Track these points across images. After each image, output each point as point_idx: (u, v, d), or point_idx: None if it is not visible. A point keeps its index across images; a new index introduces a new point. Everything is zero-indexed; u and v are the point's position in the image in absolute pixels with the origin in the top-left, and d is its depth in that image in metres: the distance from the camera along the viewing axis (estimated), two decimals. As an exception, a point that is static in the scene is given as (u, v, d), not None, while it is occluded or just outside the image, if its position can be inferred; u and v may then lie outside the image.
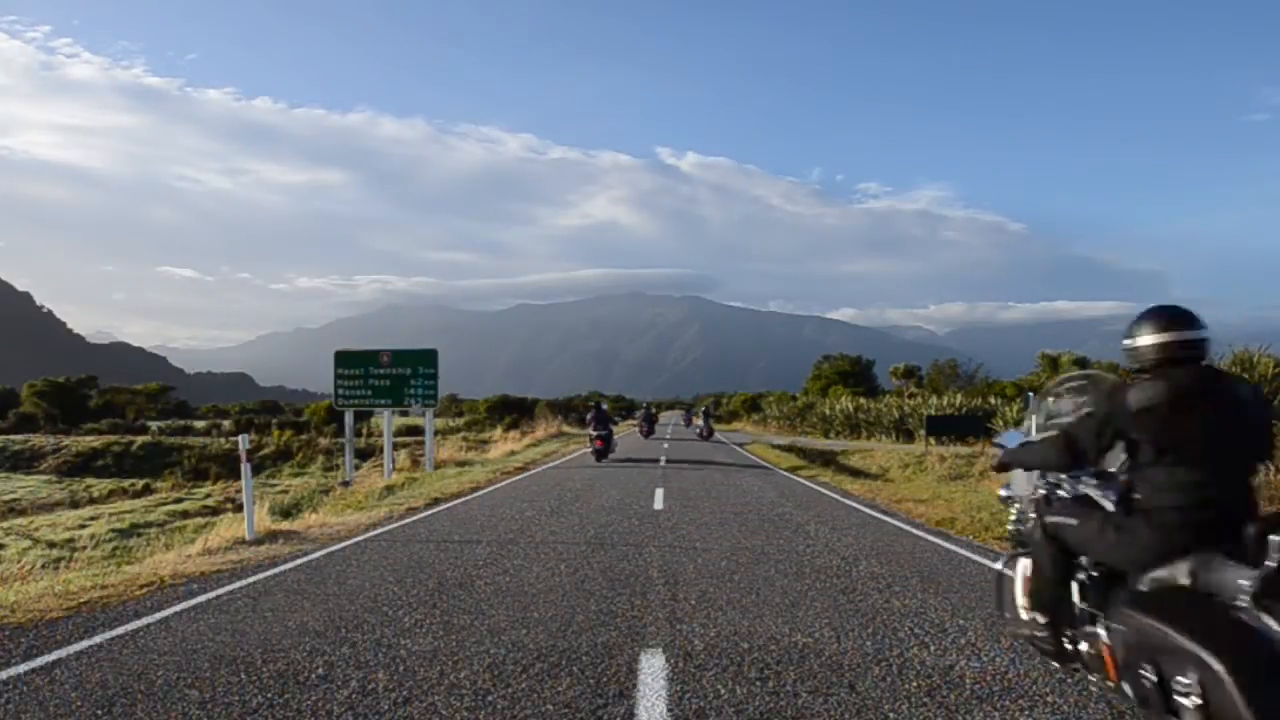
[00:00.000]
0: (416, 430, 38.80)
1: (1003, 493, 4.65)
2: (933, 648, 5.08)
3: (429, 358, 22.05)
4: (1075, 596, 3.67)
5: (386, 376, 21.63)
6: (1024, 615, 4.07)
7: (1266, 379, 14.87)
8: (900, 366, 52.09)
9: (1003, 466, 4.05)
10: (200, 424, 59.09)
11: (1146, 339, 3.31)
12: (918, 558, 8.29)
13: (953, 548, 8.92)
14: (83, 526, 20.93)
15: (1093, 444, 3.36)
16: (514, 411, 59.76)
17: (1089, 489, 3.64)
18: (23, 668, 4.68)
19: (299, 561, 8.01)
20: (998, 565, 4.54)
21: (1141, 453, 3.22)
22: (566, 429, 44.35)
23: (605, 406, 24.69)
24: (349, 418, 23.13)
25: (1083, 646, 3.61)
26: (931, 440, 25.29)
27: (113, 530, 19.83)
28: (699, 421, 42.19)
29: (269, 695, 4.22)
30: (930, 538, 9.56)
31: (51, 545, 17.29)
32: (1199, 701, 2.64)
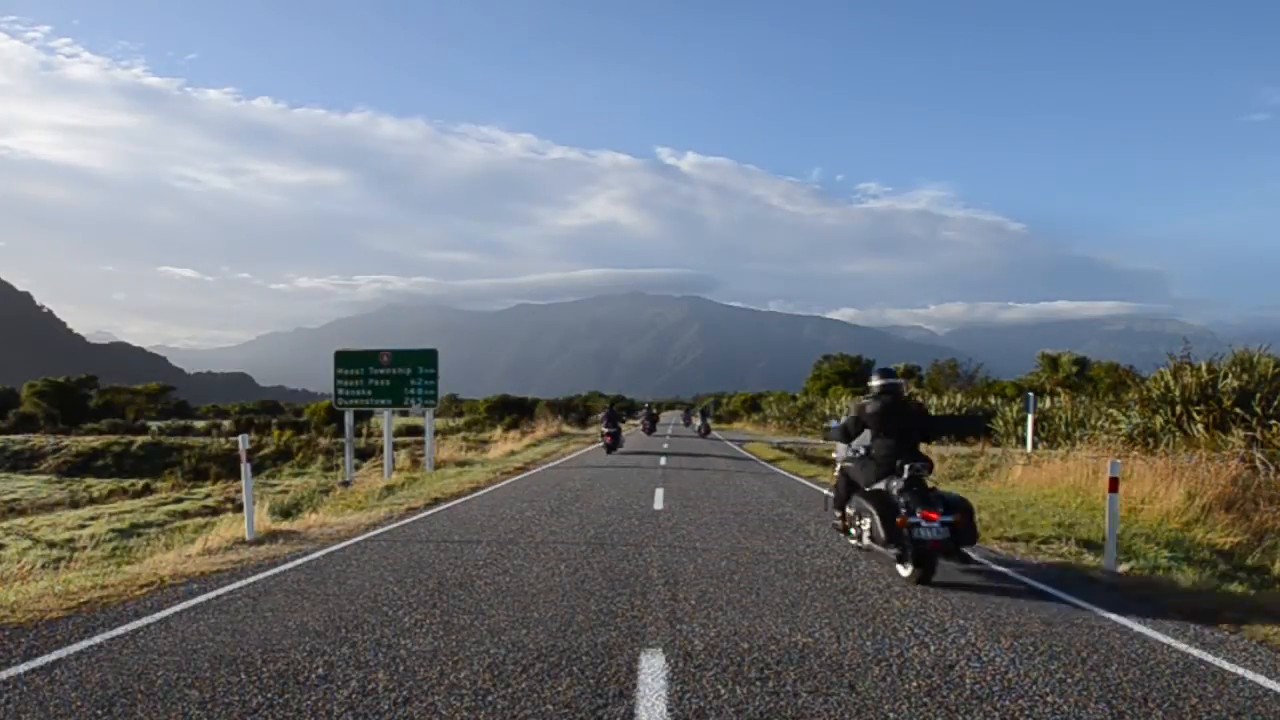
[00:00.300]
0: (416, 430, 38.81)
1: (834, 455, 9.24)
2: (933, 648, 5.08)
3: (429, 358, 22.05)
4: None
5: (386, 376, 21.63)
6: (834, 512, 8.51)
7: (1266, 379, 14.87)
8: (900, 366, 52.09)
9: (828, 437, 8.95)
10: (200, 424, 59.09)
11: (874, 381, 7.93)
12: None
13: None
14: (83, 526, 20.94)
15: (853, 429, 7.87)
16: (514, 411, 59.77)
17: (859, 450, 7.86)
18: (23, 668, 4.69)
19: (299, 561, 8.01)
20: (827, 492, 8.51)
21: (870, 433, 7.67)
22: (566, 429, 44.35)
23: (616, 408, 33.09)
24: (349, 418, 23.13)
25: (847, 523, 8.05)
26: (931, 440, 25.26)
27: (113, 530, 19.83)
28: (697, 420, 43.34)
29: (269, 695, 4.23)
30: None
31: (51, 545, 17.30)
32: (867, 529, 7.23)
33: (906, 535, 6.76)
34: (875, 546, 7.12)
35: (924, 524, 6.73)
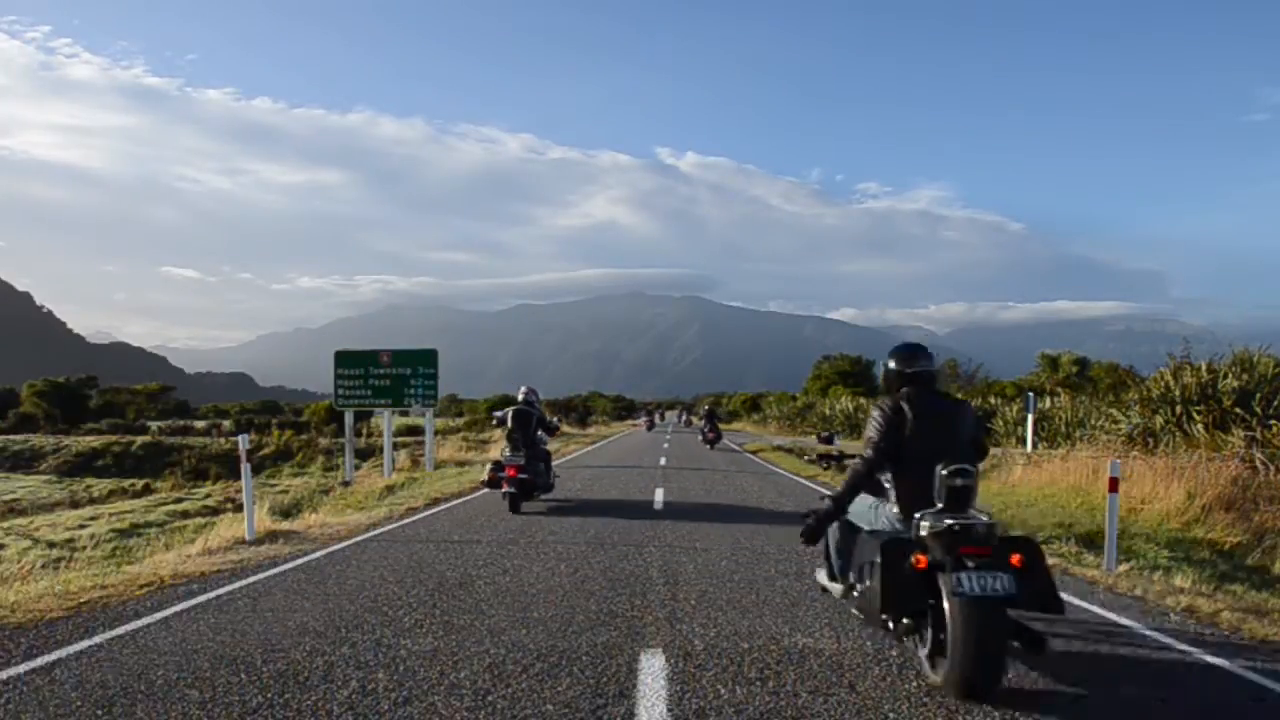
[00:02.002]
0: (416, 430, 38.78)
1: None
2: (933, 648, 5.07)
3: (429, 358, 22.03)
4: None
5: (386, 376, 21.62)
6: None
7: (1266, 379, 14.87)
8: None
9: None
10: (200, 424, 59.06)
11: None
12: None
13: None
14: (83, 526, 20.91)
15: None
16: (514, 411, 59.64)
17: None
18: (23, 668, 4.68)
19: (299, 561, 8.01)
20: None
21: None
22: (566, 429, 44.35)
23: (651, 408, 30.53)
24: (349, 418, 23.11)
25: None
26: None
27: (113, 530, 19.80)
28: (699, 422, 38.83)
29: (269, 695, 4.22)
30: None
31: (51, 545, 17.28)
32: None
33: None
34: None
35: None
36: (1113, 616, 5.97)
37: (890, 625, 4.34)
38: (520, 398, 12.82)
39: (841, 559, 5.19)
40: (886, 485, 4.91)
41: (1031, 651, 4.21)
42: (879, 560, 4.33)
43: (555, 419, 16.80)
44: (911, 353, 4.97)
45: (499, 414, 13.40)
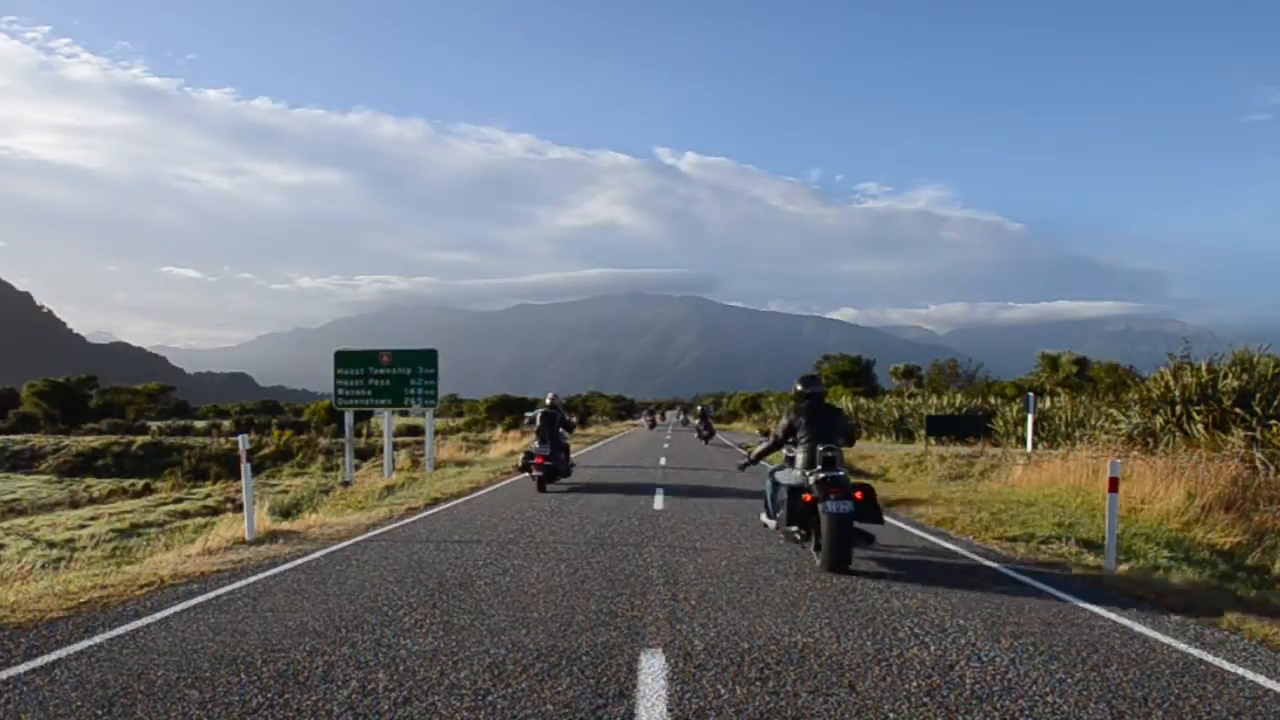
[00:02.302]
0: (416, 430, 38.80)
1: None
2: (933, 648, 5.08)
3: (429, 358, 22.04)
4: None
5: (386, 376, 21.62)
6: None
7: (1266, 379, 14.87)
8: (900, 366, 52.08)
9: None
10: (200, 424, 59.05)
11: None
12: (918, 558, 8.29)
13: (952, 547, 8.92)
14: (83, 526, 20.92)
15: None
16: (514, 411, 59.75)
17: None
18: (23, 668, 4.69)
19: (299, 561, 8.01)
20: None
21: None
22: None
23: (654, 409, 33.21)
24: (349, 418, 23.12)
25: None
26: (931, 440, 25.29)
27: (113, 530, 19.81)
28: (695, 421, 40.91)
29: (269, 695, 4.23)
30: (930, 537, 9.56)
31: (51, 545, 17.28)
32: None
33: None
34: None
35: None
36: (1114, 617, 5.97)
37: (796, 536, 7.96)
38: (547, 402, 16.44)
39: (773, 504, 8.56)
40: (791, 455, 8.30)
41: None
42: (787, 498, 7.88)
43: (573, 419, 22.48)
44: (809, 380, 8.44)
45: (530, 414, 18.71)
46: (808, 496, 7.48)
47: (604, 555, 8.23)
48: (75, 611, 5.98)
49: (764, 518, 9.00)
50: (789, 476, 8.10)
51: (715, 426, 39.72)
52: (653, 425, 49.51)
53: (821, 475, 7.42)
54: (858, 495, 7.32)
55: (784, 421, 8.31)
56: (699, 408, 44.97)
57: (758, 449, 8.97)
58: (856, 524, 7.30)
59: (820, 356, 74.17)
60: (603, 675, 4.53)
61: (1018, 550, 8.80)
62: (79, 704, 4.11)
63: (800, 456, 7.98)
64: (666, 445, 31.11)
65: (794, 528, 7.83)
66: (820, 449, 7.62)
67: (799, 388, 8.38)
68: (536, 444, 15.07)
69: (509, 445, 31.27)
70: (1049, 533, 9.71)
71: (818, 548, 7.47)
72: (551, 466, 14.84)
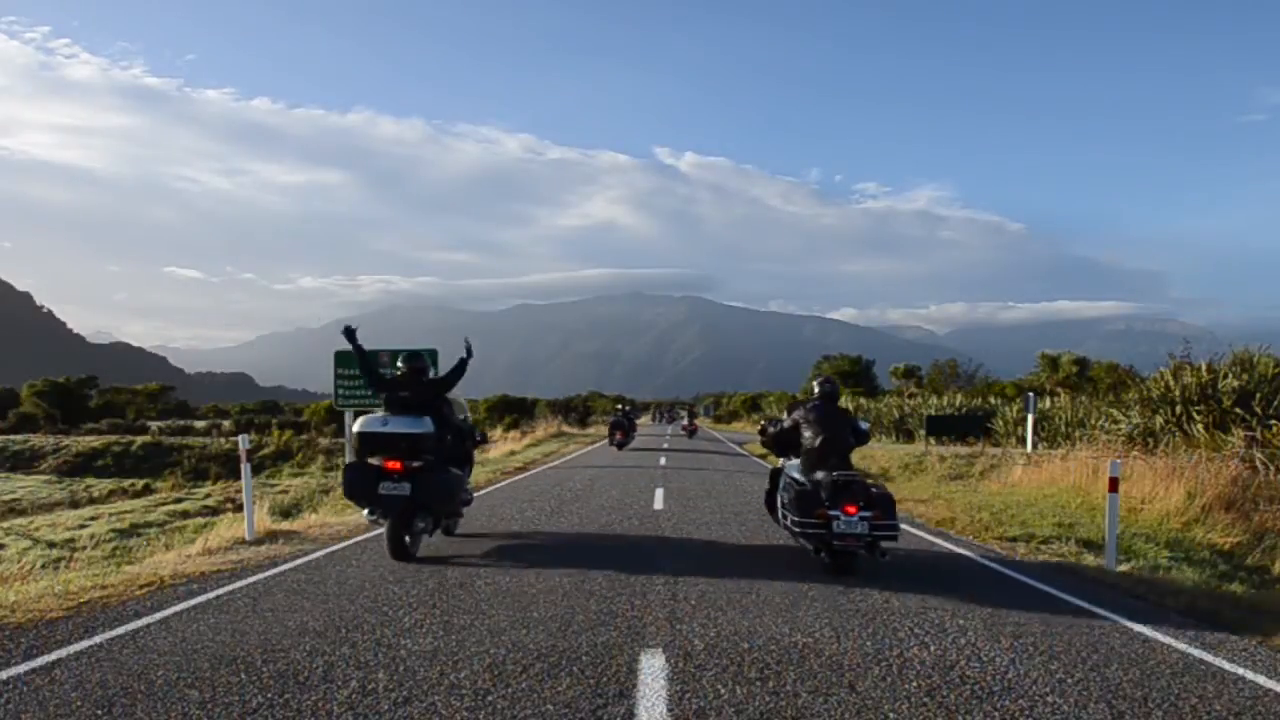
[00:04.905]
0: (416, 430, 38.64)
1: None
2: (933, 648, 5.08)
3: (429, 358, 22.03)
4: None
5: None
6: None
7: (1266, 379, 14.87)
8: (900, 366, 52.04)
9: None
10: (200, 424, 59.00)
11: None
12: (918, 558, 8.29)
13: (952, 548, 8.92)
14: (83, 526, 20.91)
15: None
16: (514, 411, 59.74)
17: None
18: (23, 668, 4.68)
19: (299, 561, 8.01)
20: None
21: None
22: (566, 429, 44.33)
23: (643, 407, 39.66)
24: (349, 418, 23.09)
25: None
26: (931, 440, 25.28)
27: (113, 530, 19.80)
28: (683, 420, 44.43)
29: (269, 695, 4.22)
30: (930, 537, 9.56)
31: (51, 545, 17.28)
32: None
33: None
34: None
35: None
36: (1114, 617, 5.96)
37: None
38: (619, 409, 27.50)
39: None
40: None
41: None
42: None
43: (637, 416, 37.68)
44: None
45: (612, 417, 30.76)
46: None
47: (604, 555, 8.23)
48: (75, 611, 5.98)
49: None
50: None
51: (715, 426, 43.94)
52: (621, 442, 27.67)
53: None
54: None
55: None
56: (684, 409, 52.18)
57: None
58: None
59: (820, 356, 74.14)
60: (603, 675, 4.53)
61: (1018, 550, 8.80)
62: (79, 704, 4.11)
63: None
64: (667, 445, 31.09)
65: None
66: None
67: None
68: (619, 435, 27.64)
69: (509, 445, 31.25)
70: (1049, 533, 9.71)
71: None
72: (624, 441, 27.54)
